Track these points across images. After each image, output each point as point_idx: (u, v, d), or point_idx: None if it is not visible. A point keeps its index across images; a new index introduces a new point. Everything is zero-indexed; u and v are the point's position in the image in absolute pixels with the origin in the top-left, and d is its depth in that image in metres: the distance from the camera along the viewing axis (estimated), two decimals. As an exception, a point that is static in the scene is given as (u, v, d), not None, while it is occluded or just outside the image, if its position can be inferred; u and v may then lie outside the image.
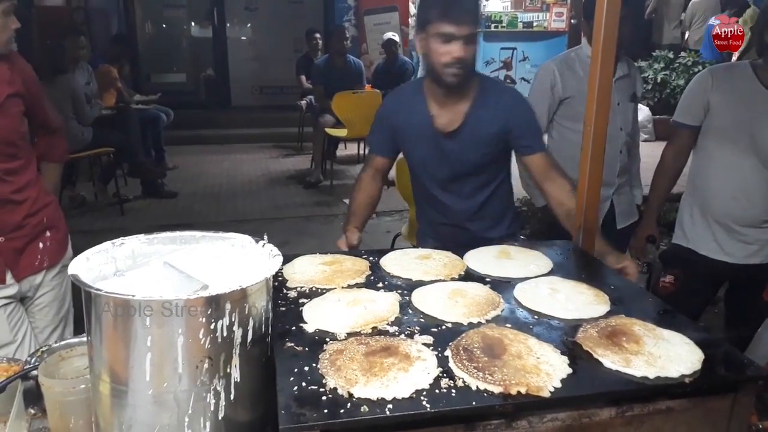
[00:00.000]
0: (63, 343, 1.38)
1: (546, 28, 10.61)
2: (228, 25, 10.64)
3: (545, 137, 2.84)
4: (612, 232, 2.78)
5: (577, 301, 1.30)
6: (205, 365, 0.98)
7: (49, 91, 5.31)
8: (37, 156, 2.10)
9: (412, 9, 11.70)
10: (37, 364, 1.30)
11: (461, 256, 1.58)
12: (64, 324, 2.18)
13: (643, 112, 8.25)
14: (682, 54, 8.96)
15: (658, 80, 8.67)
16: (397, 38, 7.78)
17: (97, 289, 0.97)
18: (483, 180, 2.03)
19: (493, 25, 10.47)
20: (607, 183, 2.72)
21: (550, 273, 1.49)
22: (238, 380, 1.03)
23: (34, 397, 1.31)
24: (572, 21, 9.83)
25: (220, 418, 1.02)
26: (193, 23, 11.13)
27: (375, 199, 2.11)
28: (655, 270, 2.62)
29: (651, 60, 8.93)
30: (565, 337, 1.16)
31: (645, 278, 2.76)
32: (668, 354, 1.08)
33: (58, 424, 1.20)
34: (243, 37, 10.89)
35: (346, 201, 6.51)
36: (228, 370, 1.01)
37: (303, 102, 7.81)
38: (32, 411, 1.32)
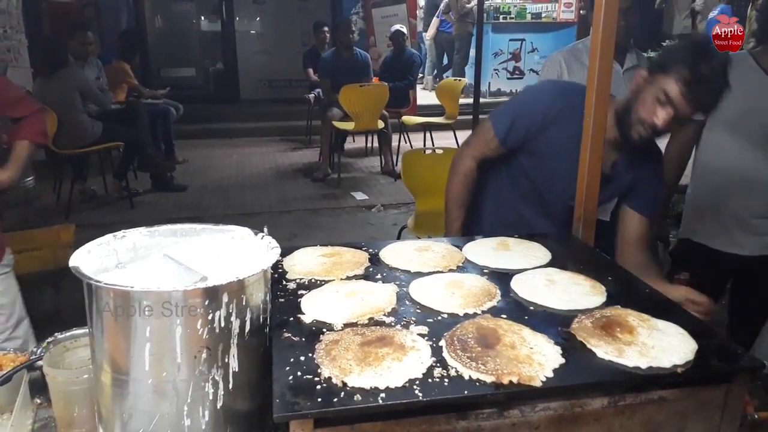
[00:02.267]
0: (68, 334, 1.41)
1: (555, 19, 10.57)
2: (236, 18, 10.68)
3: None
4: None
5: (573, 292, 1.31)
6: (204, 355, 1.00)
7: (50, 85, 5.41)
8: (11, 136, 2.14)
9: (421, 1, 11.70)
10: (42, 354, 1.33)
11: (460, 247, 1.59)
12: (17, 330, 2.14)
13: (653, 103, 8.18)
14: (693, 44, 8.87)
15: (668, 71, 8.59)
16: (405, 30, 7.77)
17: (97, 281, 0.99)
18: None
19: (501, 17, 10.45)
20: (615, 175, 2.72)
21: (548, 264, 1.49)
22: (237, 370, 1.05)
23: (40, 387, 1.34)
24: (581, 12, 9.75)
25: (218, 407, 1.04)
26: (202, 17, 11.18)
27: None
28: (665, 266, 2.61)
29: (660, 50, 8.85)
30: (560, 327, 1.17)
31: None
32: (661, 344, 1.09)
33: (63, 413, 1.23)
34: (251, 31, 10.93)
35: (354, 194, 6.59)
36: (226, 360, 1.03)
37: (311, 95, 7.83)
38: (38, 401, 1.36)
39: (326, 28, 8.03)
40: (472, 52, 9.62)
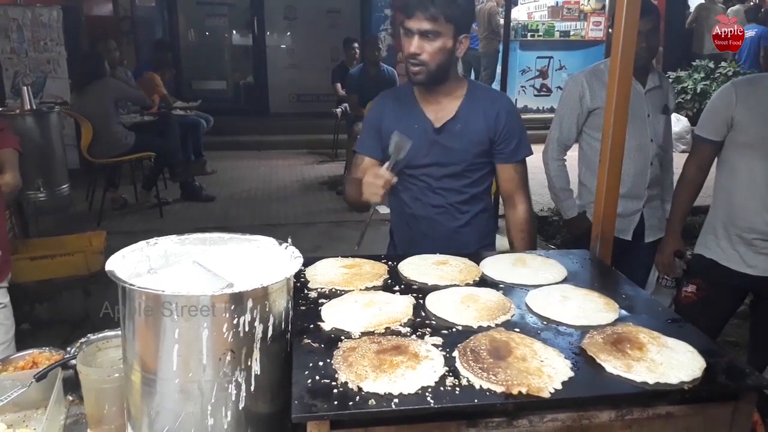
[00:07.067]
0: (100, 335, 1.48)
1: (583, 37, 10.57)
2: (267, 33, 10.89)
3: (575, 148, 2.87)
4: (640, 246, 2.78)
5: (586, 308, 1.34)
6: (228, 358, 1.06)
7: (86, 97, 5.61)
8: None
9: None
10: (76, 353, 1.41)
11: (478, 262, 1.63)
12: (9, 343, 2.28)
13: (682, 122, 8.12)
14: (723, 64, 8.81)
15: (698, 90, 8.53)
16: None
17: (131, 284, 1.05)
18: (466, 191, 2.06)
19: (529, 34, 10.48)
20: (636, 195, 2.72)
21: (564, 281, 1.52)
22: (259, 373, 1.10)
23: (72, 385, 1.41)
24: (610, 30, 9.75)
25: (240, 408, 1.09)
26: (234, 32, 11.42)
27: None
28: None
29: (691, 70, 8.79)
30: (571, 342, 1.20)
31: (673, 293, 2.75)
32: (670, 361, 1.11)
33: (94, 410, 1.30)
34: (282, 46, 11.13)
35: (377, 207, 6.61)
36: (249, 363, 1.08)
37: (338, 110, 7.94)
38: (70, 398, 1.43)
39: (356, 45, 8.13)
40: (499, 69, 9.67)
